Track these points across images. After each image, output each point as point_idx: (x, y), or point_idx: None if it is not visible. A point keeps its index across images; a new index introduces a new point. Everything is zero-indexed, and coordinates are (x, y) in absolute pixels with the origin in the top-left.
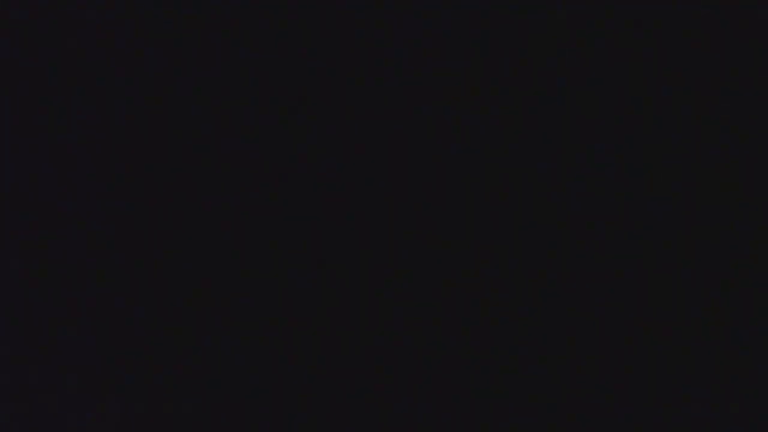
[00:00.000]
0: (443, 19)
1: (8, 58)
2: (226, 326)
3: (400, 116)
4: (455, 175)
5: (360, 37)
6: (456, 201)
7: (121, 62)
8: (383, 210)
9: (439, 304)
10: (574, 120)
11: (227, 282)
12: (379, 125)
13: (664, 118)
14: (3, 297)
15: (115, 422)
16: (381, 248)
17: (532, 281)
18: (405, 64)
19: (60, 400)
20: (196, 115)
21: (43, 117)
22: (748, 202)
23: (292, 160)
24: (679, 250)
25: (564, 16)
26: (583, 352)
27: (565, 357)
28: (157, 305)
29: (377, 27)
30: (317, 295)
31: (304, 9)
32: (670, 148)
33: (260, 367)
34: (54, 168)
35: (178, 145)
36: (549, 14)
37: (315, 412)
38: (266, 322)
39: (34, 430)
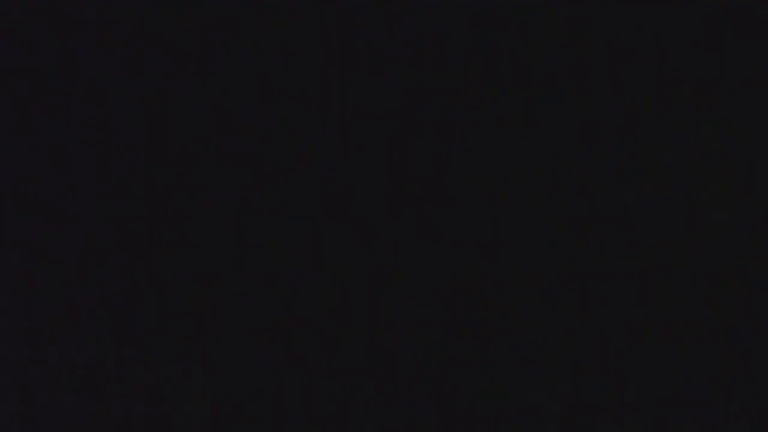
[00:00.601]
0: (443, 19)
1: (8, 57)
2: (225, 326)
3: (400, 116)
4: (455, 175)
5: (360, 37)
6: (456, 201)
7: (121, 62)
8: (383, 210)
9: (439, 304)
10: (573, 120)
11: (227, 282)
12: (378, 125)
13: (663, 119)
14: (3, 297)
15: (115, 422)
16: (380, 248)
17: (531, 281)
18: (405, 65)
19: (60, 399)
20: (195, 115)
21: (43, 117)
22: (748, 202)
23: (291, 161)
24: (678, 250)
25: (564, 16)
26: (584, 352)
27: (565, 357)
28: (157, 305)
29: (377, 27)
30: (317, 295)
31: (303, 9)
32: (670, 149)
33: (260, 367)
34: (54, 168)
35: (177, 145)
36: (549, 14)
37: (314, 413)
38: (266, 322)
39: (35, 429)
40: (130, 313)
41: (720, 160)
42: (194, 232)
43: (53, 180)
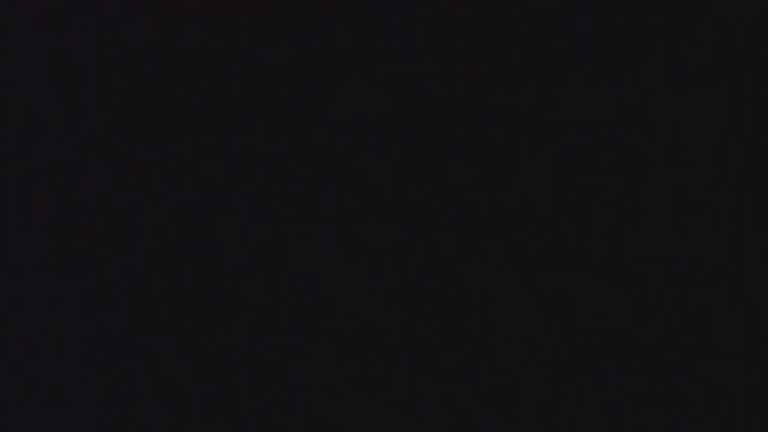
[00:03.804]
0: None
1: (8, 58)
2: (225, 327)
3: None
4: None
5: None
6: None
7: (121, 62)
8: (381, 210)
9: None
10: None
11: (227, 282)
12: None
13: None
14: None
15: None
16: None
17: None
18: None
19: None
20: (195, 115)
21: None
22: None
23: (290, 161)
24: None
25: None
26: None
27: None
28: (156, 306)
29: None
30: (316, 295)
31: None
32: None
33: (260, 367)
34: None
35: (176, 145)
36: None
37: (314, 413)
38: (265, 321)
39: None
40: (128, 314)
41: (720, 161)
42: (194, 232)
43: (52, 179)
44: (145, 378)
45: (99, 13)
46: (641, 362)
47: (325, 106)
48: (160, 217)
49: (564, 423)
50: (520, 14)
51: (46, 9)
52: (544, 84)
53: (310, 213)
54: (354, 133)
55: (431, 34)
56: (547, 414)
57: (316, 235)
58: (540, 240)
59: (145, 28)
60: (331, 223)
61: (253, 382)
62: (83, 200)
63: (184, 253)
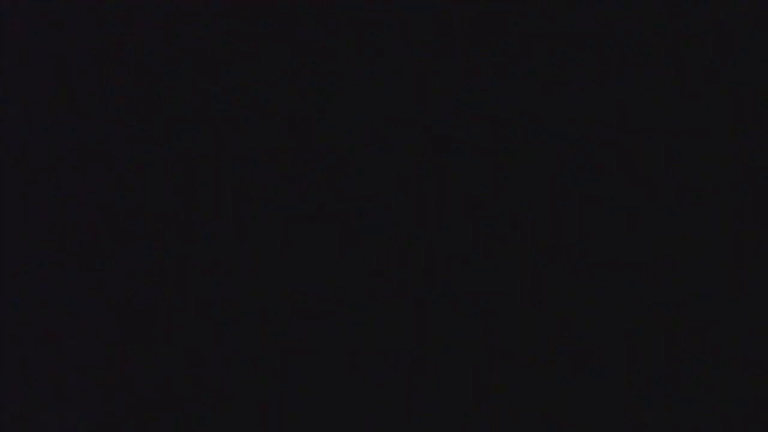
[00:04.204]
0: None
1: (8, 58)
2: (225, 327)
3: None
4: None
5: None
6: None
7: (119, 62)
8: (381, 211)
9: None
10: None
11: (227, 282)
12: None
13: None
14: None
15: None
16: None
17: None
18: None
19: (60, 400)
20: (193, 115)
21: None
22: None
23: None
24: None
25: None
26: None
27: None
28: (156, 306)
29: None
30: (317, 296)
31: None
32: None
33: (259, 367)
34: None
35: (174, 144)
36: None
37: (315, 413)
38: (265, 321)
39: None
40: (127, 315)
41: (720, 160)
42: (193, 232)
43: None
44: (145, 378)
45: (99, 13)
46: (641, 362)
47: (325, 106)
48: (160, 217)
49: (564, 423)
50: (520, 14)
51: (46, 9)
52: (544, 84)
53: (310, 213)
54: (354, 133)
55: (431, 34)
56: (547, 414)
57: (315, 235)
58: (540, 240)
59: (145, 28)
60: (331, 223)
61: (253, 383)
62: (83, 200)
63: (184, 253)
